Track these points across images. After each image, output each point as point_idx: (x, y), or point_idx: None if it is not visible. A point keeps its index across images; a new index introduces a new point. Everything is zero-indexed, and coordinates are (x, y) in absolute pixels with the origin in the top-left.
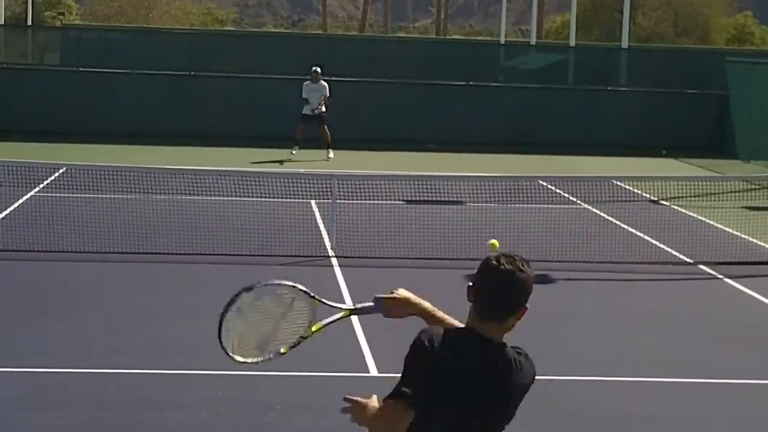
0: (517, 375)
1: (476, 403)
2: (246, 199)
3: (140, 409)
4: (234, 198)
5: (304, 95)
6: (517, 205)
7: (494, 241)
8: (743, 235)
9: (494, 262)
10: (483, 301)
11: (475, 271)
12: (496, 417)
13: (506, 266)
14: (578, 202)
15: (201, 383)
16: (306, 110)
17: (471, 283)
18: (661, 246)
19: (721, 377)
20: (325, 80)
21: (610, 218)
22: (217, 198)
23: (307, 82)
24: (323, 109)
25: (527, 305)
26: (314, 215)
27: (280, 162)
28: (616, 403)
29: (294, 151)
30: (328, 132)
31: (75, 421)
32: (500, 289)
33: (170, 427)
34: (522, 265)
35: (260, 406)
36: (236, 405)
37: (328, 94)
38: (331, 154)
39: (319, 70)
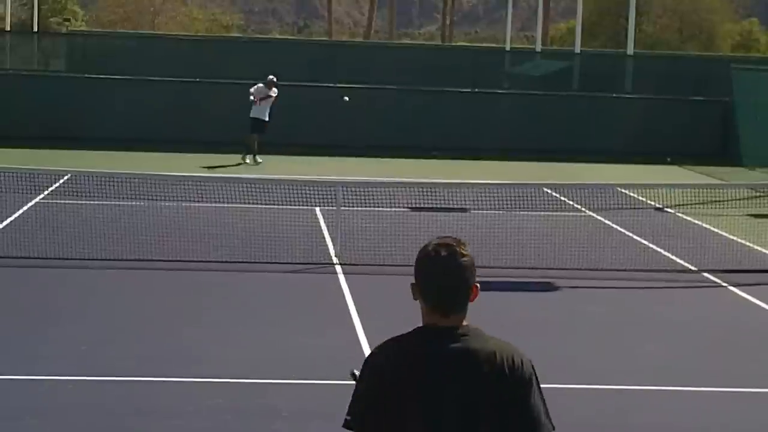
0: (492, 363)
1: (444, 412)
2: (250, 206)
3: (143, 416)
4: (238, 205)
5: (254, 95)
6: (521, 213)
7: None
8: (748, 243)
9: (432, 252)
10: (432, 295)
11: (416, 266)
12: (489, 424)
13: (444, 253)
14: (583, 209)
15: (205, 391)
16: (256, 113)
17: (413, 282)
18: (666, 254)
19: (727, 386)
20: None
21: (614, 226)
22: (221, 205)
23: (261, 85)
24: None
25: (477, 284)
26: (319, 222)
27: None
28: (622, 411)
29: (259, 160)
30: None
31: (76, 430)
32: (447, 279)
33: None
34: (459, 248)
35: (266, 414)
36: (242, 412)
37: (262, 97)
38: (260, 159)
39: (275, 79)
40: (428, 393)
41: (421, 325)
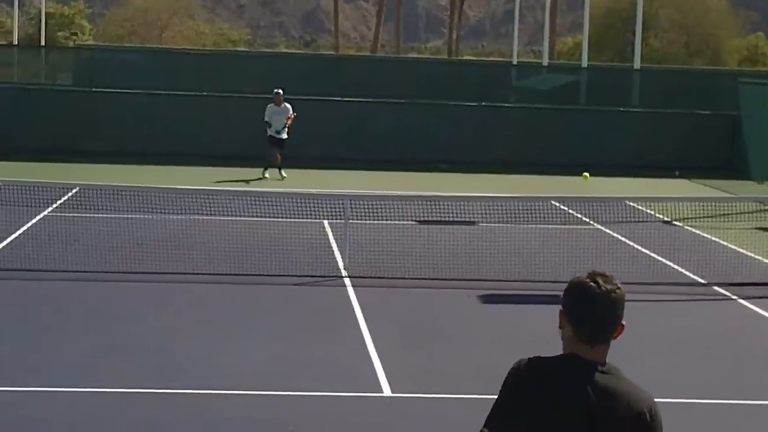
0: (633, 408)
1: None
2: (259, 219)
3: (153, 428)
4: (247, 218)
5: (266, 118)
6: (530, 226)
7: (586, 174)
8: (757, 256)
9: (591, 283)
10: (583, 324)
11: (564, 295)
12: None
13: (604, 286)
14: (591, 222)
15: (215, 403)
16: (272, 133)
17: (562, 309)
18: (675, 267)
19: (737, 398)
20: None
21: (623, 239)
22: (230, 218)
23: (271, 104)
24: (285, 135)
25: (623, 322)
26: (327, 235)
27: (246, 181)
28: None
29: (267, 175)
30: (281, 156)
31: None
32: (601, 309)
33: None
34: (615, 282)
35: (275, 427)
36: (251, 425)
37: (292, 114)
38: (284, 173)
39: (281, 92)
40: (567, 423)
41: (564, 352)
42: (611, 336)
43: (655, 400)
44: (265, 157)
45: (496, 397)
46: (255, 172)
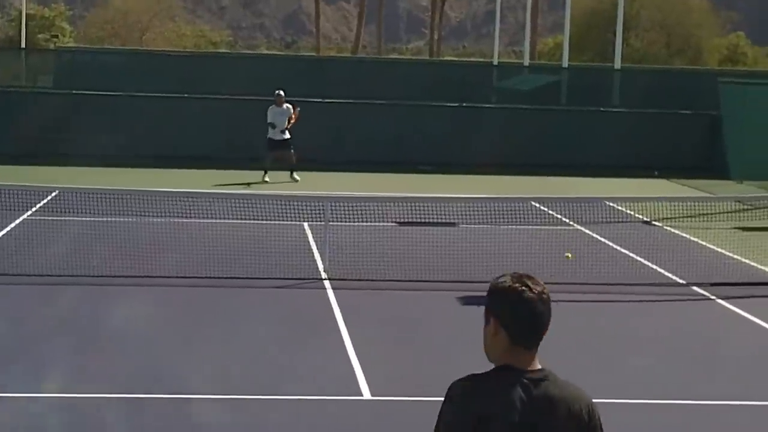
0: (572, 410)
1: None
2: (239, 221)
3: None
4: (227, 220)
5: (269, 120)
6: (509, 227)
7: (569, 254)
8: (736, 256)
9: (522, 287)
10: (522, 332)
11: (490, 300)
12: None
13: (535, 288)
14: (571, 223)
15: (195, 408)
16: (272, 134)
17: (492, 319)
18: (654, 267)
19: (716, 398)
20: (303, 102)
21: (602, 239)
22: (210, 221)
23: (272, 106)
24: (288, 134)
25: None
26: (307, 237)
27: (248, 184)
28: (612, 425)
29: (267, 179)
30: (294, 157)
31: None
32: (539, 312)
33: None
34: (540, 281)
35: (254, 430)
36: (230, 429)
37: (294, 114)
38: (297, 176)
39: (282, 93)
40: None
41: (498, 363)
42: (542, 338)
43: (637, 400)
44: (261, 159)
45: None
46: (237, 174)
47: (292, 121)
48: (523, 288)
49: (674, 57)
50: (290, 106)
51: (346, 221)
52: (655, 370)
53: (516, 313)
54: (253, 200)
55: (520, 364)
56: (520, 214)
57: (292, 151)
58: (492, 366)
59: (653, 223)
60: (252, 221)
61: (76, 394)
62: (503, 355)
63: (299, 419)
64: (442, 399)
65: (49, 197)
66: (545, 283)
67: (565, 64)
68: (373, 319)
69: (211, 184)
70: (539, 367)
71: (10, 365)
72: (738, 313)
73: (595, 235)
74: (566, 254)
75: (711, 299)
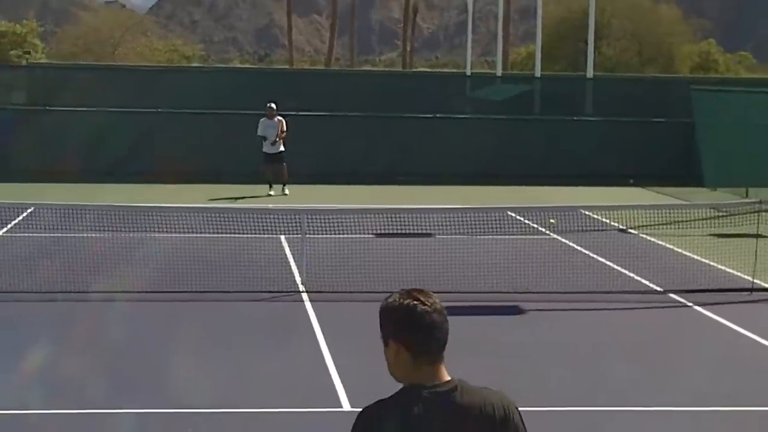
0: (485, 416)
1: None
2: (215, 235)
3: None
4: (203, 235)
5: (260, 133)
6: (486, 237)
7: (552, 220)
8: (712, 263)
9: (415, 302)
10: (423, 346)
11: (384, 321)
12: None
13: (428, 301)
14: (547, 232)
15: (173, 422)
16: (265, 147)
17: (391, 339)
18: (631, 275)
19: (694, 405)
20: (282, 115)
21: (579, 248)
22: (185, 235)
23: (263, 119)
24: (281, 147)
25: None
26: (284, 250)
27: (234, 199)
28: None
29: (272, 192)
30: (286, 171)
31: None
32: (437, 326)
33: None
34: (431, 294)
35: None
36: None
37: (284, 129)
38: (287, 190)
39: (274, 106)
40: None
41: (402, 384)
42: (444, 350)
43: (615, 408)
44: (261, 173)
45: None
46: (212, 188)
47: (281, 135)
48: (415, 303)
49: (646, 65)
50: (281, 119)
51: (322, 233)
52: (633, 377)
53: (412, 329)
54: (229, 214)
55: (426, 380)
56: (496, 223)
57: (285, 165)
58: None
59: (629, 230)
60: (228, 234)
61: (50, 410)
62: (408, 374)
63: None
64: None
65: (24, 214)
66: (525, 293)
67: (538, 73)
68: (351, 331)
69: (206, 198)
70: (447, 378)
71: None
72: (714, 319)
73: (571, 244)
74: (550, 220)
75: (688, 306)
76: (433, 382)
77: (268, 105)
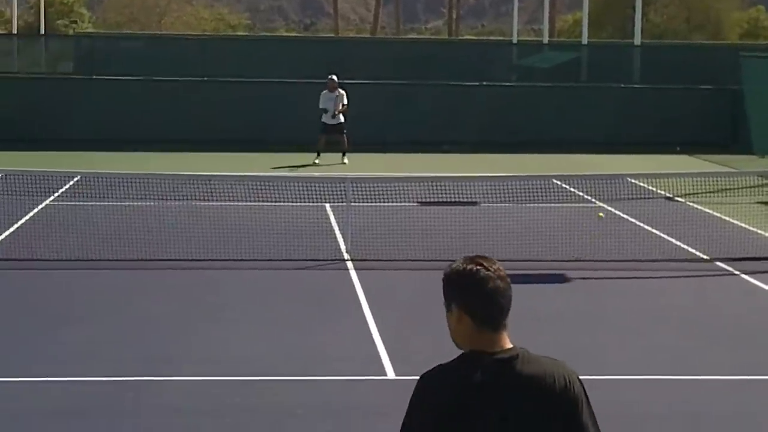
0: (545, 385)
1: None
2: (261, 204)
3: (161, 416)
4: (249, 203)
5: (321, 105)
6: (532, 205)
7: (601, 214)
8: (759, 231)
9: (478, 267)
10: (485, 312)
11: (447, 287)
12: None
13: (491, 267)
14: (593, 200)
15: (221, 390)
16: (325, 119)
17: (453, 305)
18: (677, 243)
19: (741, 374)
20: (340, 86)
21: (625, 216)
22: (231, 203)
23: (324, 91)
24: (342, 118)
25: None
26: (329, 219)
27: (294, 167)
28: (635, 401)
29: (317, 161)
30: (346, 140)
31: (94, 430)
32: (500, 291)
33: None
34: (497, 263)
35: (281, 412)
36: (257, 411)
37: (345, 102)
38: (346, 160)
39: (335, 78)
40: (488, 424)
41: (465, 350)
42: (507, 317)
43: (662, 376)
44: (315, 141)
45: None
46: (258, 156)
47: (341, 109)
48: (478, 268)
49: (694, 32)
50: (343, 92)
51: (367, 202)
52: (680, 346)
53: (475, 295)
54: (275, 182)
55: (487, 347)
56: (541, 192)
57: (345, 135)
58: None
59: (676, 199)
60: (274, 203)
61: (102, 377)
62: (470, 340)
63: (325, 400)
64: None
65: (71, 182)
66: (572, 261)
67: (585, 41)
68: (395, 299)
69: (272, 166)
70: (509, 346)
71: (34, 349)
72: (762, 287)
73: (617, 212)
74: (599, 214)
75: (735, 274)
76: (494, 349)
77: (329, 77)
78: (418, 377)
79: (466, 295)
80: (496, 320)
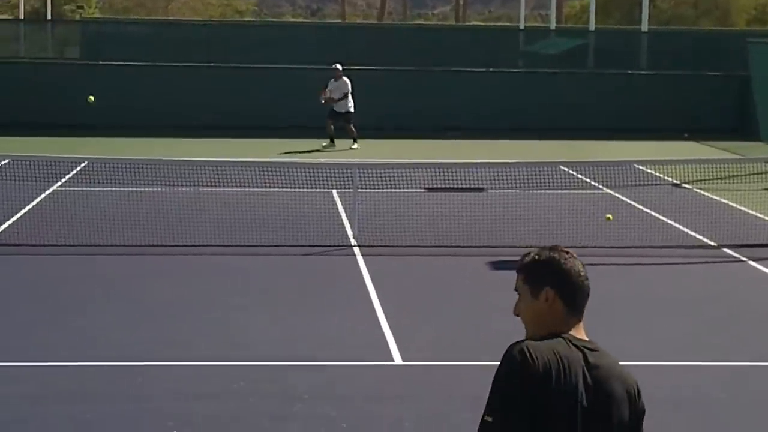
0: (628, 385)
1: (589, 425)
2: (268, 189)
3: (167, 400)
4: (256, 189)
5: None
6: (538, 191)
7: (609, 216)
8: (766, 217)
9: (564, 254)
10: (577, 299)
11: (538, 273)
12: None
13: (574, 257)
14: (600, 186)
15: (228, 374)
16: (335, 106)
17: (548, 288)
18: (684, 229)
19: (747, 360)
20: (347, 73)
21: (632, 202)
22: (239, 189)
23: (331, 80)
24: (349, 108)
25: None
26: (336, 205)
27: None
28: (643, 387)
29: (324, 143)
30: (353, 130)
31: (102, 415)
32: (583, 278)
33: (198, 419)
34: (573, 253)
35: (287, 396)
36: (264, 395)
37: (346, 91)
38: (356, 145)
39: (339, 66)
40: (572, 406)
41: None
42: None
43: (669, 362)
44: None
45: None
46: (265, 142)
47: (326, 96)
48: (566, 256)
49: (701, 18)
50: (347, 81)
51: (374, 188)
52: (687, 332)
53: (568, 280)
54: (282, 168)
55: (574, 333)
56: (548, 178)
57: (351, 124)
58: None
59: (683, 185)
60: (281, 189)
61: (106, 362)
62: (556, 325)
63: (331, 385)
64: (481, 363)
65: (78, 168)
66: (578, 247)
67: (592, 27)
68: (402, 285)
69: (278, 152)
70: (587, 338)
71: (41, 334)
72: None
73: (624, 199)
74: (607, 216)
75: (742, 261)
76: (578, 336)
77: (334, 66)
78: (424, 362)
79: (563, 281)
80: (581, 310)
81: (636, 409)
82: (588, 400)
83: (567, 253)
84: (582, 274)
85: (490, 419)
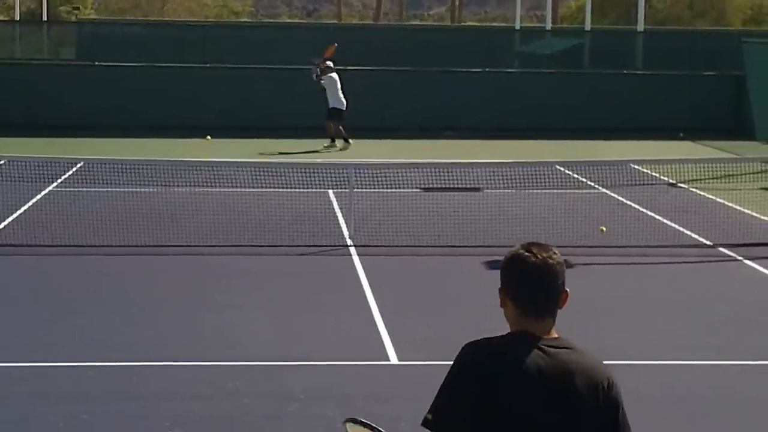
0: (590, 382)
1: (540, 425)
2: (264, 189)
3: (163, 400)
4: (252, 189)
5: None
6: (534, 191)
7: (603, 228)
8: (762, 217)
9: (526, 253)
10: (525, 298)
11: (501, 274)
12: None
13: (539, 254)
14: (596, 186)
15: (223, 374)
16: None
17: (500, 289)
18: (680, 229)
19: (742, 359)
20: (342, 71)
21: (628, 202)
22: (235, 189)
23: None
24: (336, 104)
25: (567, 289)
26: (332, 205)
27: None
28: (637, 386)
29: (325, 144)
30: (332, 128)
31: (98, 414)
32: (540, 279)
33: (194, 419)
34: (552, 249)
35: (283, 396)
36: (259, 395)
37: (334, 84)
38: (338, 144)
39: (331, 65)
40: (528, 403)
41: (511, 329)
42: (556, 306)
43: (664, 362)
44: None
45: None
46: (261, 142)
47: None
48: (527, 255)
49: (697, 18)
50: (330, 76)
51: (370, 188)
52: (682, 332)
53: (518, 281)
54: (278, 168)
55: (535, 332)
56: (544, 178)
57: (330, 121)
58: None
59: (679, 185)
60: (277, 189)
61: (102, 362)
62: (516, 323)
63: (327, 385)
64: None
65: (74, 169)
66: (574, 246)
67: (588, 27)
68: (398, 285)
69: (272, 153)
70: (555, 335)
71: (37, 335)
72: (765, 273)
73: (620, 198)
74: (601, 228)
75: (738, 260)
76: (542, 335)
77: (326, 64)
78: (419, 362)
79: (509, 281)
80: (540, 308)
81: (607, 403)
82: (539, 397)
83: (530, 252)
84: (536, 274)
85: (430, 417)
